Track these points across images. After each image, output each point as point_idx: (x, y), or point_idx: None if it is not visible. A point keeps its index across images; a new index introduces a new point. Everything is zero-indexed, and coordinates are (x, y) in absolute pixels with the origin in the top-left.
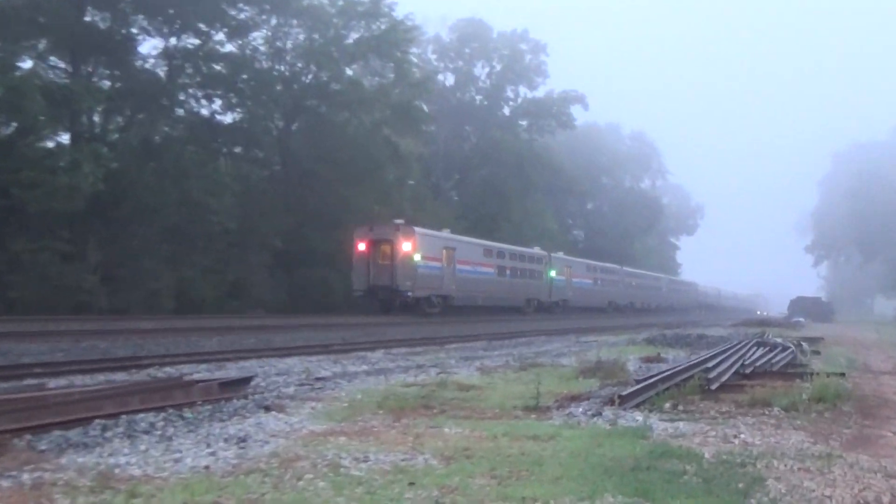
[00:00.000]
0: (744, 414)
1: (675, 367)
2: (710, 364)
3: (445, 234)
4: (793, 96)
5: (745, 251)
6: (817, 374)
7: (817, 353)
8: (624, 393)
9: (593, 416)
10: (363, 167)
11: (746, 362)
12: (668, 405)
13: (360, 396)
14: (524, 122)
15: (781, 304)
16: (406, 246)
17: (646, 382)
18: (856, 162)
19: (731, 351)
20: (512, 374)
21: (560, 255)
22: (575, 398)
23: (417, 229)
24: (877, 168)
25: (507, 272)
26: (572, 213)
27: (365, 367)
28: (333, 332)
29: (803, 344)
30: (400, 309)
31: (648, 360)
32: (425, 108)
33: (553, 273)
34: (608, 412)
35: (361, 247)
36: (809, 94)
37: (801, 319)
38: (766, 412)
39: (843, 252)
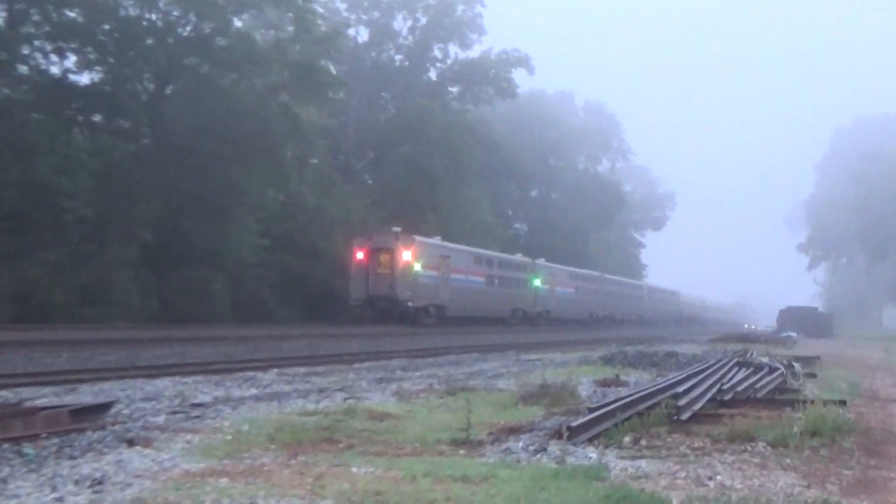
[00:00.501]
0: (721, 450)
1: (637, 392)
2: (680, 388)
3: (438, 241)
4: (785, 64)
5: (724, 251)
6: (812, 401)
7: (812, 375)
8: (574, 424)
9: (536, 452)
10: (254, 142)
11: (725, 387)
12: (628, 439)
13: (248, 427)
14: (455, 89)
15: (770, 316)
16: (406, 255)
17: (601, 411)
18: (861, 140)
19: (707, 373)
20: (436, 400)
21: (542, 261)
22: (514, 430)
23: (417, 238)
24: (886, 148)
25: (496, 281)
26: (514, 201)
27: (254, 391)
28: (215, 346)
29: (795, 364)
30: (399, 319)
31: (605, 383)
32: (332, 69)
33: (538, 282)
34: (554, 447)
35: (360, 255)
36: (805, 62)
37: (793, 334)
38: (749, 448)
39: (844, 252)
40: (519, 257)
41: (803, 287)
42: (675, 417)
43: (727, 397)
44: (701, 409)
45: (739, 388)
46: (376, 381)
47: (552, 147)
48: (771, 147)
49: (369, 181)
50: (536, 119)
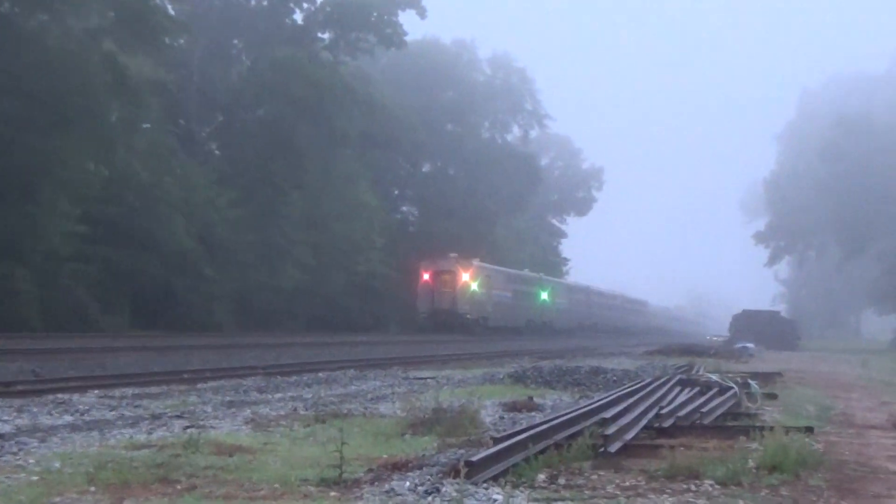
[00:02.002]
0: (658, 490)
1: (554, 418)
2: (608, 413)
3: (485, 263)
4: (741, 15)
5: (665, 243)
6: (771, 428)
7: (772, 396)
8: (475, 458)
9: (427, 493)
10: (70, 102)
11: (664, 411)
12: (542, 477)
13: (60, 465)
14: (326, 36)
15: (721, 323)
16: (465, 276)
17: (509, 441)
18: (832, 104)
19: (642, 393)
20: (301, 429)
21: (542, 276)
22: (399, 466)
23: (474, 262)
24: (864, 111)
25: (519, 295)
26: (401, 177)
27: (68, 419)
28: (18, 361)
29: (751, 383)
30: (459, 329)
31: (514, 406)
32: (170, 9)
33: (544, 295)
34: (450, 488)
35: (426, 276)
36: (766, 13)
37: (749, 345)
38: (694, 487)
39: (812, 243)
40: (527, 273)
41: (762, 287)
42: (602, 449)
43: (666, 424)
44: (634, 438)
45: (682, 413)
46: (225, 406)
47: (450, 110)
48: (724, 115)
49: (217, 152)
50: (430, 75)
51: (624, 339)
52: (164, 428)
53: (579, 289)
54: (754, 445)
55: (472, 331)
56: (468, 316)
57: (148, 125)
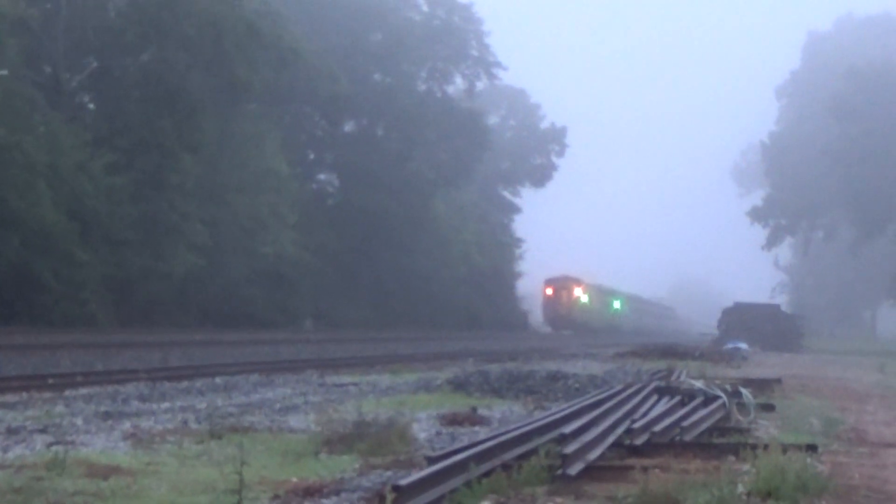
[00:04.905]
0: None
1: (503, 434)
2: (567, 428)
3: (587, 281)
4: None
5: (640, 220)
6: (766, 446)
7: (769, 408)
8: (404, 482)
9: None
10: None
11: (637, 425)
12: None
13: None
14: None
15: (710, 317)
16: (578, 291)
17: (447, 462)
18: (843, 50)
19: (610, 404)
20: (193, 447)
21: (613, 288)
22: (312, 491)
23: (584, 280)
24: (883, 60)
25: (603, 304)
26: (318, 139)
27: None
28: None
29: (744, 391)
30: (571, 329)
31: (455, 419)
32: None
33: (617, 304)
34: None
35: (549, 291)
36: None
37: (743, 346)
38: None
39: (819, 221)
40: (608, 286)
41: (760, 275)
42: (560, 472)
43: (639, 441)
44: (599, 458)
45: (658, 428)
46: (100, 418)
47: (378, 56)
48: (713, 63)
49: (90, 106)
50: (353, 12)
51: (549, 341)
52: (24, 444)
53: (634, 298)
54: (745, 467)
55: (578, 331)
56: (578, 321)
57: (3, 72)
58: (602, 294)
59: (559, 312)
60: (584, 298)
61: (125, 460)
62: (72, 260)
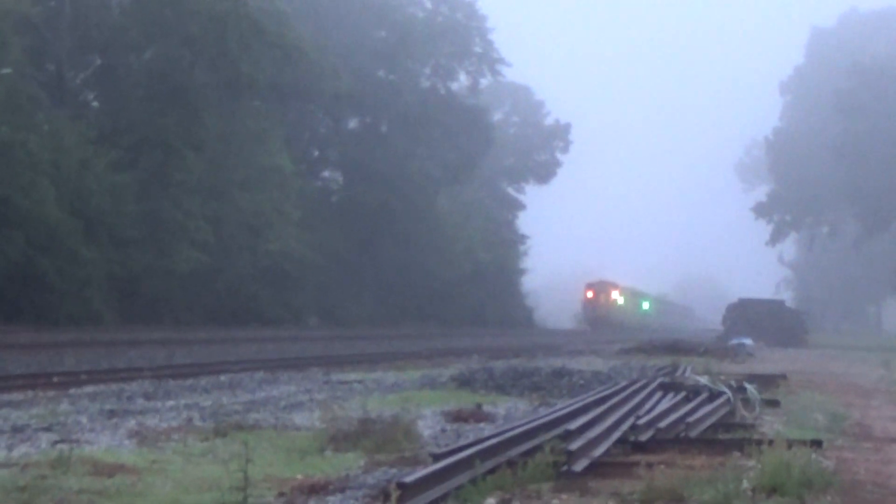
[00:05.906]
0: None
1: (507, 430)
2: (572, 425)
3: (622, 283)
4: None
5: (645, 217)
6: (771, 442)
7: (774, 403)
8: (409, 479)
9: None
10: None
11: (641, 421)
12: (492, 501)
13: None
14: None
15: (715, 313)
16: (615, 294)
17: (452, 459)
18: (851, 44)
19: (615, 400)
20: (198, 444)
21: (642, 290)
22: (317, 489)
23: (620, 283)
24: (888, 55)
25: (635, 306)
26: (322, 136)
27: None
28: None
29: (748, 387)
30: (608, 327)
31: (460, 416)
32: None
33: (646, 305)
34: None
35: (589, 294)
36: None
37: (747, 341)
38: None
39: (824, 217)
40: (638, 287)
41: (764, 271)
42: (565, 468)
43: (644, 437)
44: (604, 455)
45: (663, 424)
46: (105, 416)
47: (382, 53)
48: (718, 59)
49: (94, 103)
50: (357, 10)
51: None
52: (29, 443)
53: (658, 299)
54: (751, 463)
55: (614, 328)
56: (615, 320)
57: (7, 70)
58: (634, 296)
59: (598, 313)
60: (620, 300)
61: (130, 458)
62: (76, 258)
